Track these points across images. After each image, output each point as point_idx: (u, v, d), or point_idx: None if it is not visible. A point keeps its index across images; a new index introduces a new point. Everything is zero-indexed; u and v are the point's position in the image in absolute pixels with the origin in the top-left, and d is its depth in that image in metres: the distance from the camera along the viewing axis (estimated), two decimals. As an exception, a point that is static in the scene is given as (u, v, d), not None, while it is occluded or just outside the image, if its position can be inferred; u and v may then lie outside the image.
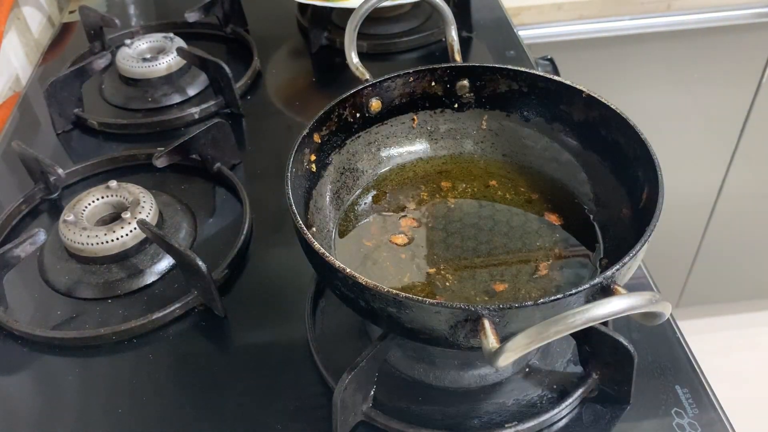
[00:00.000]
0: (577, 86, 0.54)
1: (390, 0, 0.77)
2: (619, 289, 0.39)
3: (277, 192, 0.67)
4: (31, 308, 0.58)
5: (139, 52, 0.84)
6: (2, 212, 0.66)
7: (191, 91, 0.84)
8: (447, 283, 0.50)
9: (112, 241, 0.58)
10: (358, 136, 0.58)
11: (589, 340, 0.47)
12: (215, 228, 0.65)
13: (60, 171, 0.67)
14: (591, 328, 0.44)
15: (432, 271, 0.51)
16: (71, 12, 1.05)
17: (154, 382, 0.52)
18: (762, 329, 1.64)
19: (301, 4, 0.96)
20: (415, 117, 0.60)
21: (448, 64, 0.58)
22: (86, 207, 0.61)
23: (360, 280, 0.40)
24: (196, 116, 0.79)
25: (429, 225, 0.55)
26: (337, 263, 0.41)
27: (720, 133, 1.28)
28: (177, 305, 0.56)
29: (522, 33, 0.95)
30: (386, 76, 0.57)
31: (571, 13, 1.10)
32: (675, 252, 1.46)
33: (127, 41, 0.85)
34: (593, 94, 0.53)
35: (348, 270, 0.40)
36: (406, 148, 0.61)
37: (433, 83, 0.59)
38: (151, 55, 0.83)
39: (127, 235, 0.58)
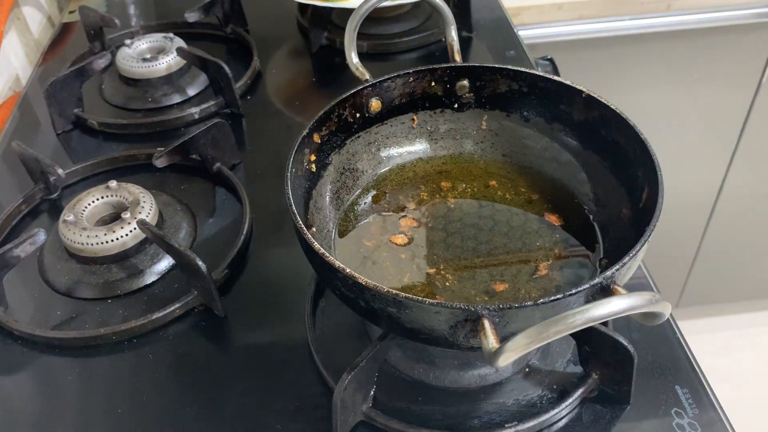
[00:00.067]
0: (577, 86, 0.54)
1: (390, 0, 0.77)
2: (619, 289, 0.39)
3: (277, 192, 0.67)
4: (31, 308, 0.58)
5: (139, 52, 0.84)
6: (2, 212, 0.66)
7: (191, 91, 0.84)
8: (447, 283, 0.50)
9: (112, 241, 0.58)
10: (358, 136, 0.58)
11: (589, 340, 0.47)
12: (215, 228, 0.65)
13: (60, 171, 0.67)
14: (591, 328, 0.44)
15: (432, 271, 0.51)
16: (71, 12, 1.05)
17: (154, 382, 0.52)
18: (762, 329, 1.64)
19: (301, 4, 0.96)
20: (415, 117, 0.60)
21: (448, 64, 0.58)
22: (86, 207, 0.61)
23: (360, 280, 0.40)
24: (196, 116, 0.79)
25: (429, 225, 0.55)
26: (337, 263, 0.41)
27: (720, 133, 1.28)
28: (177, 305, 0.56)
29: (522, 33, 0.95)
30: (386, 76, 0.57)
31: (571, 13, 1.10)
32: (675, 252, 1.46)
33: (127, 41, 0.85)
34: (593, 94, 0.53)
35: (348, 270, 0.40)
36: (406, 148, 0.61)
37: (433, 83, 0.59)
38: (151, 55, 0.83)
39: (127, 235, 0.58)
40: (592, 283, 0.38)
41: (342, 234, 0.55)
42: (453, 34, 0.60)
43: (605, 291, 0.39)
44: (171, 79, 0.83)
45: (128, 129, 0.79)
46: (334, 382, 0.46)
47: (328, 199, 0.56)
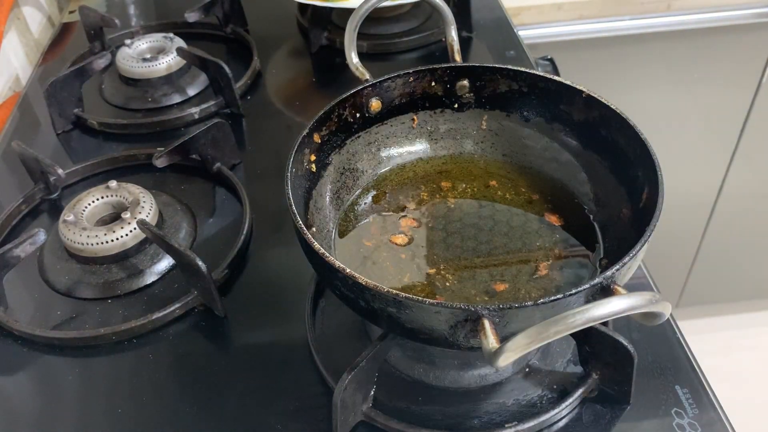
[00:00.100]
0: (577, 86, 0.54)
1: (390, 0, 0.77)
2: (619, 289, 0.39)
3: (277, 192, 0.67)
4: (31, 308, 0.58)
5: (139, 52, 0.84)
6: (2, 212, 0.66)
7: (191, 91, 0.84)
8: (447, 283, 0.50)
9: (112, 241, 0.58)
10: (358, 136, 0.58)
11: (589, 340, 0.47)
12: (215, 228, 0.65)
13: (60, 171, 0.67)
14: (591, 328, 0.44)
15: (432, 271, 0.51)
16: (71, 12, 1.05)
17: (154, 382, 0.52)
18: (762, 329, 1.64)
19: (301, 4, 0.96)
20: (415, 117, 0.60)
21: (448, 64, 0.58)
22: (86, 207, 0.61)
23: (360, 280, 0.40)
24: (196, 116, 0.79)
25: (429, 225, 0.55)
26: (337, 263, 0.41)
27: (720, 133, 1.28)
28: (177, 305, 0.56)
29: (522, 33, 0.95)
30: (386, 76, 0.57)
31: (571, 13, 1.10)
32: (675, 252, 1.46)
33: (127, 41, 0.85)
34: (593, 94, 0.53)
35: (348, 270, 0.40)
36: (406, 148, 0.61)
37: (433, 83, 0.59)
38: (151, 55, 0.83)
39: (127, 235, 0.58)
40: (592, 283, 0.38)
41: (342, 234, 0.55)
42: (453, 34, 0.60)
43: (605, 291, 0.39)
44: (171, 79, 0.83)
45: (128, 129, 0.79)
46: (334, 382, 0.46)
47: (328, 199, 0.56)
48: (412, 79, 0.58)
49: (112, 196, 0.63)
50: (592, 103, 0.53)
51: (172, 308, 0.56)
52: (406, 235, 0.54)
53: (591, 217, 0.54)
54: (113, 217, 0.62)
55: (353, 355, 0.45)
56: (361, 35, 0.66)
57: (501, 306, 0.37)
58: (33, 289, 0.60)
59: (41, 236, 0.56)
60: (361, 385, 0.46)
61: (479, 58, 0.88)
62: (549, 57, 0.94)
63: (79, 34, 0.99)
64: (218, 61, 0.77)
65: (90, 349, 0.55)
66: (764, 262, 1.50)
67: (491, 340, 0.36)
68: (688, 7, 1.11)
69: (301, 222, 0.44)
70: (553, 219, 0.55)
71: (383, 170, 0.60)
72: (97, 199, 0.62)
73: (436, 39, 0.92)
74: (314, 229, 0.52)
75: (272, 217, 0.66)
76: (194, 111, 0.79)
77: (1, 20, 0.86)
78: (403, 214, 0.56)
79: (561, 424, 0.47)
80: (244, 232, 0.62)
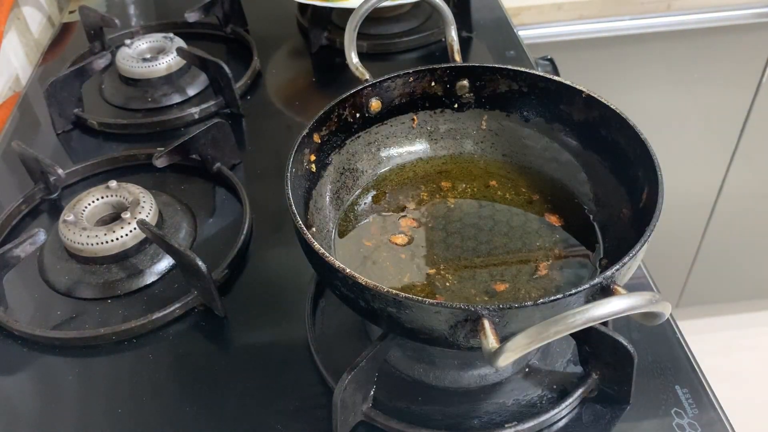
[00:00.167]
0: (577, 86, 0.54)
1: (390, 0, 0.77)
2: (619, 289, 0.39)
3: (277, 192, 0.67)
4: (31, 308, 0.58)
5: (139, 52, 0.84)
6: (2, 212, 0.66)
7: (191, 91, 0.84)
8: (447, 283, 0.50)
9: (112, 241, 0.58)
10: (358, 136, 0.58)
11: (589, 340, 0.47)
12: (215, 228, 0.65)
13: (60, 171, 0.67)
14: (591, 328, 0.44)
15: (432, 271, 0.51)
16: (71, 12, 1.05)
17: (154, 382, 0.52)
18: (762, 329, 1.64)
19: (301, 4, 0.96)
20: (415, 117, 0.60)
21: (448, 64, 0.58)
22: (86, 207, 0.61)
23: (360, 280, 0.40)
24: (196, 116, 0.79)
25: (429, 225, 0.55)
26: (337, 263, 0.41)
27: (720, 133, 1.28)
28: (177, 305, 0.56)
29: (522, 33, 0.95)
30: (386, 76, 0.57)
31: (571, 13, 1.10)
32: (675, 252, 1.46)
33: (127, 41, 0.85)
34: (593, 94, 0.53)
35: (348, 270, 0.40)
36: (406, 148, 0.61)
37: (433, 83, 0.59)
38: (151, 55, 0.83)
39: (126, 235, 0.58)
40: (592, 283, 0.38)
41: (342, 234, 0.55)
42: (453, 34, 0.60)
43: (605, 291, 0.39)
44: (171, 79, 0.83)
45: (128, 129, 0.79)
46: (334, 382, 0.46)
47: (328, 199, 0.56)
48: (412, 79, 0.58)
49: (112, 196, 0.63)
50: (592, 103, 0.53)
51: (172, 308, 0.56)
52: (406, 235, 0.54)
53: (591, 217, 0.54)
54: (113, 217, 0.62)
55: (353, 355, 0.45)
56: (361, 35, 0.66)
57: (501, 306, 0.37)
58: (33, 289, 0.60)
59: (41, 236, 0.56)
60: (361, 385, 0.46)
61: (479, 58, 0.88)
62: (549, 57, 0.94)
63: (79, 34, 0.99)
64: (218, 61, 0.77)
65: (90, 349, 0.55)
66: (764, 262, 1.50)
67: (491, 340, 0.36)
68: (688, 7, 1.11)
69: (301, 222, 0.44)
70: (553, 219, 0.55)
71: (383, 170, 0.60)
72: (97, 199, 0.62)
73: (436, 39, 0.92)
74: (314, 229, 0.52)
75: (272, 217, 0.66)
76: (194, 111, 0.79)
77: (1, 20, 0.86)
78: (403, 214, 0.56)
79: (561, 424, 0.47)
80: (244, 232, 0.62)
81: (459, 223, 0.55)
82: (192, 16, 0.89)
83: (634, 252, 0.40)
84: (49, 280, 0.60)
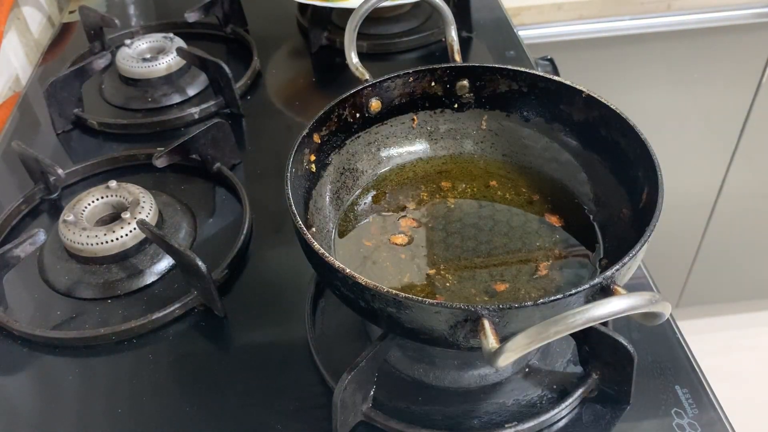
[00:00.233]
0: (577, 86, 0.54)
1: (390, 0, 0.77)
2: (619, 289, 0.39)
3: (277, 192, 0.67)
4: (31, 308, 0.58)
5: (139, 52, 0.84)
6: (2, 212, 0.66)
7: (191, 91, 0.84)
8: (447, 283, 0.50)
9: (112, 241, 0.58)
10: (358, 136, 0.58)
11: (589, 340, 0.47)
12: (215, 228, 0.65)
13: (60, 171, 0.67)
14: (591, 328, 0.44)
15: (432, 271, 0.51)
16: (71, 12, 1.05)
17: (154, 382, 0.52)
18: (762, 329, 1.64)
19: (301, 4, 0.96)
20: (415, 117, 0.60)
21: (448, 64, 0.58)
22: (86, 207, 0.61)
23: (360, 280, 0.40)
24: (196, 116, 0.79)
25: (429, 225, 0.55)
26: (337, 263, 0.41)
27: (720, 133, 1.28)
28: (177, 305, 0.56)
29: (522, 33, 0.95)
30: (386, 76, 0.57)
31: (571, 13, 1.10)
32: (675, 252, 1.46)
33: (127, 41, 0.85)
34: (593, 94, 0.53)
35: (348, 270, 0.40)
36: (406, 148, 0.61)
37: (433, 83, 0.59)
38: (151, 55, 0.83)
39: (126, 235, 0.58)
40: (592, 283, 0.38)
41: (342, 234, 0.55)
42: (453, 34, 0.60)
43: (605, 291, 0.39)
44: (171, 79, 0.83)
45: (128, 129, 0.79)
46: (334, 382, 0.46)
47: (328, 199, 0.56)
48: (412, 79, 0.58)
49: (112, 196, 0.63)
50: (592, 103, 0.53)
51: (172, 308, 0.56)
52: (406, 235, 0.54)
53: (591, 217, 0.54)
54: (113, 217, 0.62)
55: (353, 355, 0.45)
56: (361, 35, 0.66)
57: (501, 306, 0.37)
58: (33, 289, 0.60)
59: (41, 236, 0.56)
60: (361, 385, 0.46)
61: (479, 58, 0.88)
62: (549, 57, 0.94)
63: (79, 34, 0.99)
64: (218, 61, 0.77)
65: (90, 349, 0.55)
66: (764, 262, 1.50)
67: (491, 340, 0.36)
68: (688, 7, 1.11)
69: (301, 222, 0.44)
70: (553, 219, 0.54)
71: (383, 170, 0.60)
72: (97, 199, 0.62)
73: (436, 39, 0.92)
74: (314, 229, 0.52)
75: (272, 217, 0.66)
76: (194, 111, 0.79)
77: (1, 20, 0.86)
78: (403, 214, 0.56)
79: (561, 424, 0.47)
80: (244, 232, 0.62)
81: (459, 223, 0.55)
82: (192, 16, 0.89)
83: (634, 252, 0.40)
84: (49, 280, 0.60)
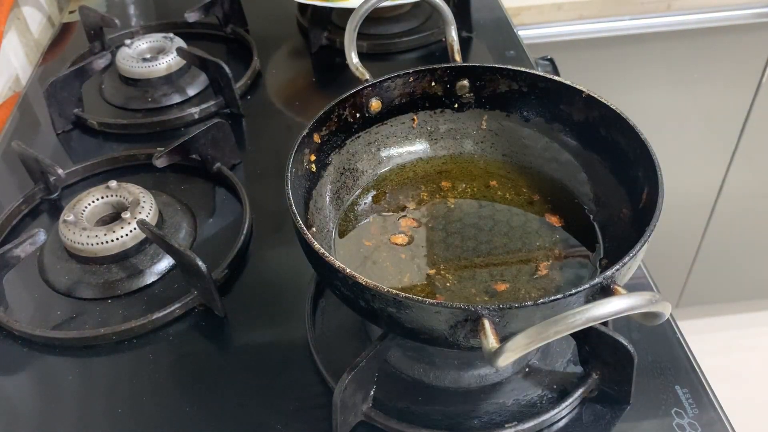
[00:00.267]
0: (577, 86, 0.54)
1: (390, 0, 0.77)
2: (619, 289, 0.39)
3: (277, 192, 0.67)
4: (31, 308, 0.58)
5: (139, 52, 0.84)
6: (2, 212, 0.66)
7: (191, 91, 0.84)
8: (447, 283, 0.50)
9: (112, 241, 0.58)
10: (358, 136, 0.58)
11: (589, 340, 0.47)
12: (215, 228, 0.65)
13: (60, 171, 0.67)
14: (591, 328, 0.44)
15: (432, 271, 0.51)
16: (71, 12, 1.05)
17: (154, 382, 0.52)
18: (762, 329, 1.64)
19: (301, 4, 0.96)
20: (415, 117, 0.60)
21: (448, 64, 0.58)
22: (86, 207, 0.61)
23: (360, 280, 0.40)
24: (196, 116, 0.79)
25: (429, 225, 0.55)
26: (337, 263, 0.41)
27: (720, 133, 1.28)
28: (177, 305, 0.56)
29: (522, 33, 0.95)
30: (386, 76, 0.57)
31: (571, 13, 1.10)
32: (675, 252, 1.46)
33: (127, 41, 0.85)
34: (593, 94, 0.53)
35: (348, 270, 0.40)
36: (406, 148, 0.61)
37: (433, 83, 0.59)
38: (151, 55, 0.83)
39: (126, 235, 0.58)
40: (592, 283, 0.38)
41: (342, 234, 0.55)
42: (453, 34, 0.60)
43: (605, 291, 0.39)
44: (171, 79, 0.83)
45: (128, 129, 0.79)
46: (334, 382, 0.46)
47: (328, 199, 0.56)
48: (412, 79, 0.58)
49: (112, 196, 0.63)
50: (592, 103, 0.53)
51: (172, 308, 0.56)
52: (406, 235, 0.54)
53: (591, 217, 0.54)
54: (113, 217, 0.62)
55: (353, 355, 0.45)
56: (361, 35, 0.66)
57: (501, 306, 0.37)
58: (33, 289, 0.60)
59: (41, 236, 0.56)
60: (361, 385, 0.46)
61: (479, 58, 0.88)
62: (549, 57, 0.94)
63: (79, 34, 0.99)
64: (218, 61, 0.77)
65: (90, 349, 0.55)
66: (764, 262, 1.50)
67: (491, 340, 0.36)
68: (688, 7, 1.11)
69: (301, 222, 0.44)
70: (553, 219, 0.55)
71: (383, 170, 0.60)
72: (97, 199, 0.62)
73: (436, 39, 0.92)
74: (314, 229, 0.52)
75: (272, 217, 0.66)
76: (194, 111, 0.79)
77: (1, 20, 0.86)
78: (403, 214, 0.56)
79: (561, 424, 0.47)
80: (244, 232, 0.62)
81: (459, 223, 0.55)
82: (192, 16, 0.89)
83: (634, 252, 0.40)
84: (49, 280, 0.60)
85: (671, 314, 0.48)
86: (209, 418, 0.49)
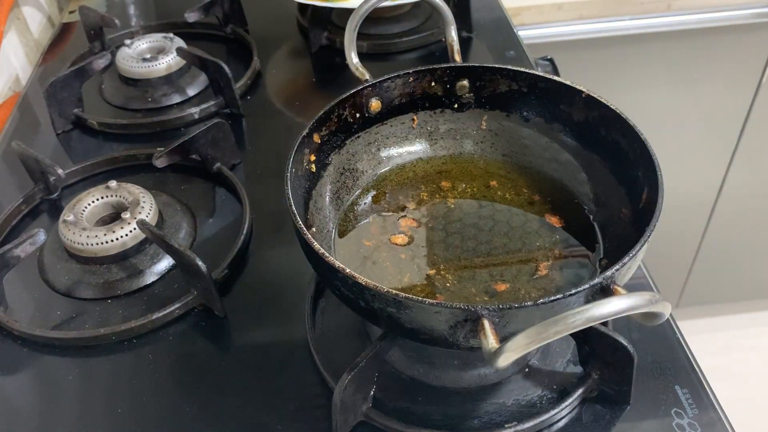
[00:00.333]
0: (577, 86, 0.54)
1: (390, 0, 0.77)
2: (619, 289, 0.39)
3: (277, 192, 0.67)
4: (31, 308, 0.58)
5: (139, 52, 0.84)
6: (2, 212, 0.66)
7: (191, 91, 0.84)
8: (447, 284, 0.50)
9: (112, 241, 0.58)
10: (358, 137, 0.58)
11: (589, 340, 0.47)
12: (215, 228, 0.65)
13: (60, 171, 0.67)
14: (591, 328, 0.44)
15: (432, 271, 0.51)
16: (71, 12, 1.05)
17: (154, 382, 0.52)
18: (762, 329, 1.64)
19: (301, 4, 0.96)
20: (415, 117, 0.60)
21: (448, 64, 0.58)
22: (86, 207, 0.61)
23: (360, 280, 0.40)
24: (196, 116, 0.79)
25: (429, 225, 0.55)
26: (337, 263, 0.41)
27: (720, 133, 1.28)
28: (177, 305, 0.56)
29: (522, 33, 0.95)
30: (386, 76, 0.57)
31: (571, 13, 1.10)
32: (675, 252, 1.46)
33: (127, 41, 0.85)
34: (593, 94, 0.53)
35: (348, 270, 0.40)
36: (406, 148, 0.61)
37: (433, 83, 0.59)
38: (151, 55, 0.83)
39: (126, 235, 0.58)
40: (592, 283, 0.38)
41: (342, 234, 0.55)
42: (453, 34, 0.60)
43: (605, 291, 0.39)
44: (171, 79, 0.83)
45: (128, 129, 0.79)
46: (334, 382, 0.46)
47: (328, 199, 0.56)
48: (412, 79, 0.58)
49: (112, 196, 0.63)
50: (592, 103, 0.53)
51: (172, 308, 0.56)
52: (406, 235, 0.54)
53: (591, 217, 0.54)
54: (113, 217, 0.62)
55: (353, 355, 0.45)
56: (361, 35, 0.66)
57: (501, 306, 0.37)
58: (33, 289, 0.60)
59: (41, 236, 0.56)
60: (361, 385, 0.46)
61: (479, 58, 0.88)
62: (549, 57, 0.94)
63: (79, 34, 0.99)
64: (218, 61, 0.77)
65: (90, 349, 0.55)
66: (764, 262, 1.50)
67: (491, 340, 0.36)
68: (688, 7, 1.11)
69: (301, 222, 0.44)
70: (553, 219, 0.55)
71: (383, 170, 0.60)
72: (97, 199, 0.62)
73: (436, 39, 0.92)
74: (314, 229, 0.52)
75: (272, 217, 0.66)
76: (194, 111, 0.79)
77: (1, 20, 0.86)
78: (403, 214, 0.56)
79: (561, 424, 0.47)
80: (244, 232, 0.62)
81: (459, 223, 0.55)
82: (192, 16, 0.89)
83: (634, 252, 0.40)
84: (49, 280, 0.60)
85: (671, 314, 0.48)
86: (209, 418, 0.49)
